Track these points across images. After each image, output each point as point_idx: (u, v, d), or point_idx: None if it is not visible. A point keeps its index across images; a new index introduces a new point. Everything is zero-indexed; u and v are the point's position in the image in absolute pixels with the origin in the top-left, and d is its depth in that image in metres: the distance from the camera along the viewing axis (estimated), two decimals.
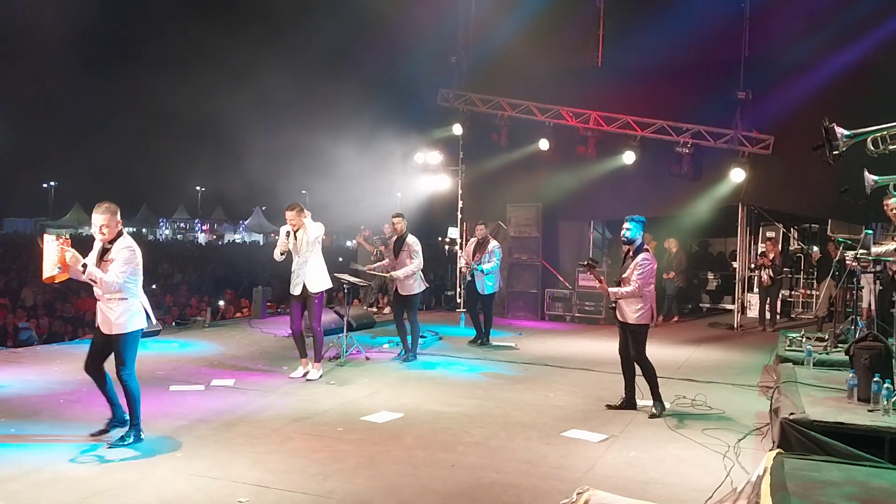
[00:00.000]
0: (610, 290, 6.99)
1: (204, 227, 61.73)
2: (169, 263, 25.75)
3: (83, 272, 5.54)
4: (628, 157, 13.77)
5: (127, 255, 5.69)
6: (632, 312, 6.99)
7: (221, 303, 15.16)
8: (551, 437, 6.28)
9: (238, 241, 54.17)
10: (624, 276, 6.99)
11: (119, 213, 5.79)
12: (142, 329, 5.79)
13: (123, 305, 5.69)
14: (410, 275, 9.51)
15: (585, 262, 7.47)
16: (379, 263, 10.12)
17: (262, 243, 52.03)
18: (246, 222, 59.27)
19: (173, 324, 12.96)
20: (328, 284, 8.45)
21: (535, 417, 6.88)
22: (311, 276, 8.26)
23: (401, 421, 6.66)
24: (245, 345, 10.64)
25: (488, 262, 10.99)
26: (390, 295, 11.72)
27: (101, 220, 5.69)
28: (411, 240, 9.60)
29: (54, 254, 5.46)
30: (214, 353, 9.89)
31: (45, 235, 5.58)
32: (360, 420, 6.64)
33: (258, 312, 13.64)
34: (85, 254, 5.74)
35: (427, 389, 7.99)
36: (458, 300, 15.58)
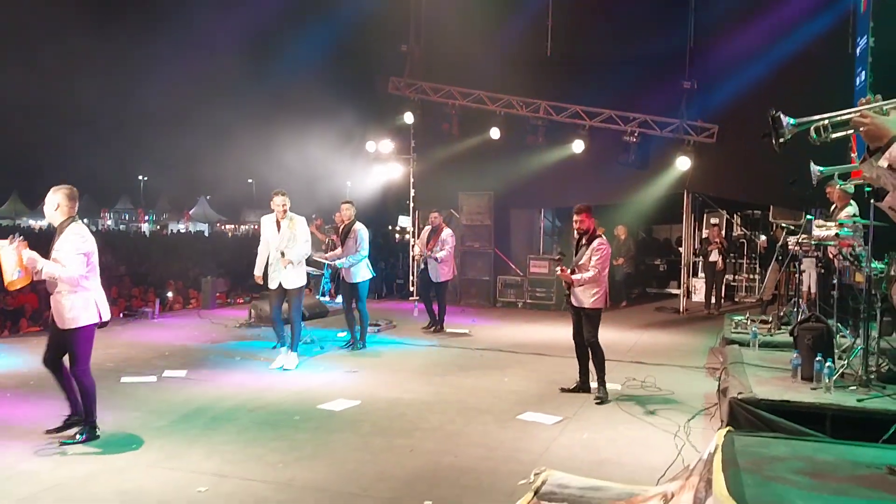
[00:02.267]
0: (574, 277, 7.06)
1: (146, 217, 60.42)
2: (112, 255, 25.11)
3: (41, 272, 5.28)
4: (577, 146, 13.95)
5: (76, 242, 5.35)
6: (588, 297, 7.11)
7: (170, 294, 14.87)
8: (507, 420, 6.36)
9: (182, 230, 53.16)
10: (581, 262, 7.09)
11: (75, 200, 5.49)
12: (95, 323, 5.49)
13: (73, 298, 5.38)
14: (355, 263, 9.51)
15: (557, 258, 7.62)
16: (332, 253, 10.09)
17: (207, 233, 51.23)
18: (191, 211, 58.28)
19: (120, 315, 12.67)
20: (304, 280, 8.48)
21: (490, 402, 6.96)
22: (289, 272, 8.24)
23: (357, 408, 6.67)
24: (195, 336, 10.49)
25: (440, 249, 11.04)
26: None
27: (54, 201, 5.42)
28: (357, 227, 9.60)
29: (12, 258, 5.19)
30: (165, 344, 9.74)
31: None
32: (316, 408, 6.63)
33: (207, 303, 13.47)
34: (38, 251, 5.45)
35: (383, 377, 8.01)
36: (411, 288, 15.63)
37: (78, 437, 5.48)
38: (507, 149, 14.54)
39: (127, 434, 5.74)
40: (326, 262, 10.71)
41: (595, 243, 7.08)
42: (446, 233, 11.21)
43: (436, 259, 11.00)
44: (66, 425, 5.60)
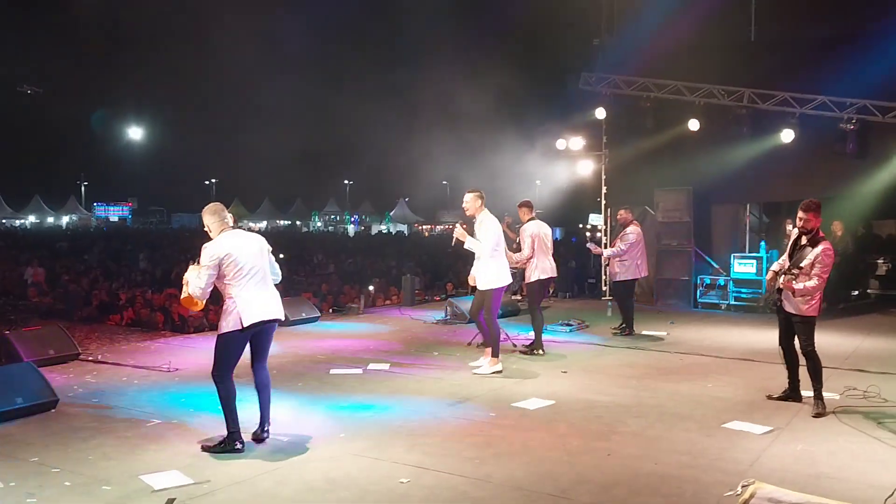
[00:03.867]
0: (795, 286, 6.39)
1: (353, 219, 64.26)
2: (324, 254, 26.87)
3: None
4: (786, 136, 12.95)
5: (203, 257, 5.32)
6: (803, 304, 6.51)
7: (371, 288, 15.66)
8: (711, 428, 6.02)
9: (384, 231, 55.85)
10: (802, 265, 6.44)
11: (218, 213, 5.50)
12: (235, 330, 5.33)
13: (224, 307, 5.42)
14: (520, 262, 9.31)
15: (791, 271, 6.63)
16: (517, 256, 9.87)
17: (406, 233, 53.45)
18: (391, 213, 61.22)
19: (330, 310, 13.54)
20: (499, 282, 8.01)
21: (692, 408, 6.63)
22: (484, 272, 8.02)
23: (552, 408, 6.61)
24: (397, 331, 10.99)
25: (616, 246, 10.77)
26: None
27: (204, 223, 5.52)
28: (524, 227, 9.35)
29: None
30: (369, 338, 10.29)
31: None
32: (511, 406, 6.65)
33: (408, 300, 14.03)
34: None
35: (577, 378, 7.90)
36: (604, 288, 15.32)
37: (212, 449, 5.36)
38: (707, 141, 13.80)
39: (335, 423, 6.09)
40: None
41: (820, 248, 6.37)
42: (629, 229, 10.79)
43: (602, 255, 10.65)
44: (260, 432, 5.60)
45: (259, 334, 5.52)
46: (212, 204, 5.60)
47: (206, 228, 5.56)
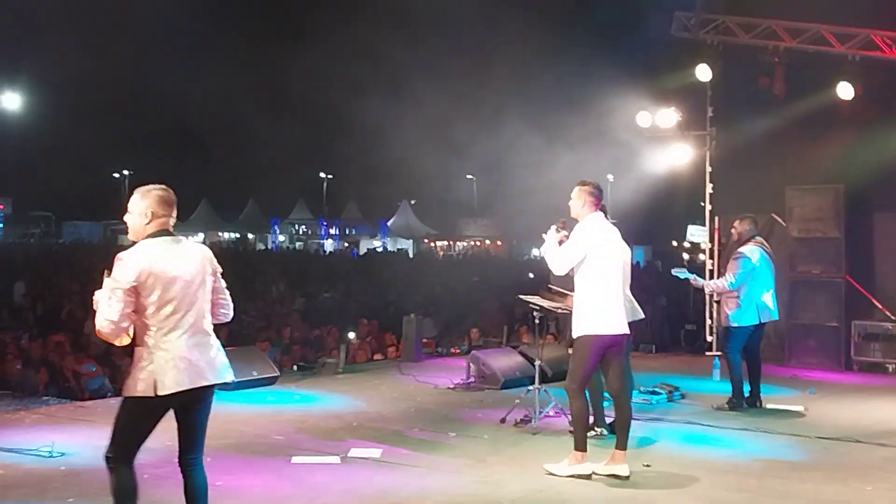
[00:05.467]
0: None
1: (332, 231, 64.48)
2: (288, 283, 26.93)
3: None
4: None
5: (116, 271, 5.13)
6: None
7: (352, 335, 15.62)
8: None
9: (378, 249, 56.03)
10: None
11: (160, 203, 5.32)
12: (147, 397, 5.06)
13: (136, 358, 5.20)
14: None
15: None
16: None
17: (411, 253, 53.55)
18: (389, 222, 61.29)
19: (294, 367, 13.51)
20: (587, 328, 7.69)
21: None
22: (574, 313, 7.88)
23: None
24: (394, 399, 11.03)
25: (724, 276, 10.84)
26: None
27: (129, 209, 5.36)
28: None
29: None
30: (353, 409, 10.33)
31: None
32: None
33: (411, 352, 13.97)
34: None
35: (668, 475, 7.86)
36: (709, 338, 15.24)
37: None
38: (868, 115, 13.89)
39: None
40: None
41: None
42: (746, 249, 10.71)
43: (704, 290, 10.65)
44: None
45: (186, 408, 5.26)
46: (157, 187, 5.36)
47: (125, 221, 5.28)
